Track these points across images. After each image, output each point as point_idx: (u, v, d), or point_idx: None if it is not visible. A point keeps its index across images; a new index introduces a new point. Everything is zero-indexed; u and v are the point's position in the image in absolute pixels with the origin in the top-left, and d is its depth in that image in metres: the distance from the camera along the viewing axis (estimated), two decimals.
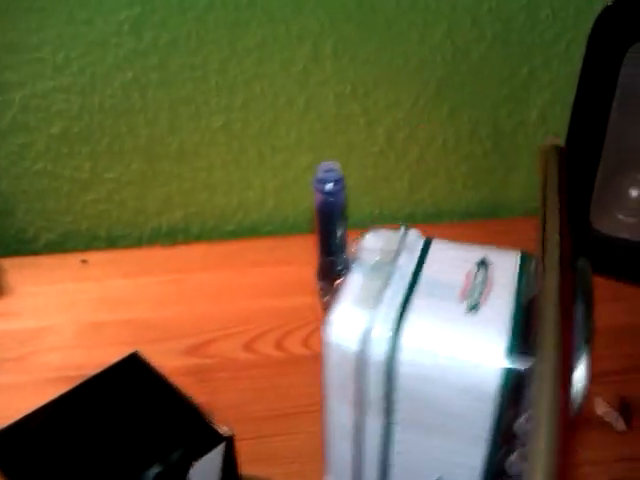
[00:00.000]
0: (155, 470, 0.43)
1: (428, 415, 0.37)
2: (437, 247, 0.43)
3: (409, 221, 0.85)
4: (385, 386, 0.37)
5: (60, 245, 0.82)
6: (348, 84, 0.76)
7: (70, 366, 0.63)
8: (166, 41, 0.71)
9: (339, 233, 0.40)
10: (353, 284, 0.40)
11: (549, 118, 0.78)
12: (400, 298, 0.38)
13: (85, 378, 0.50)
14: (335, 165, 0.39)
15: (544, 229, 0.39)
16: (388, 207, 0.85)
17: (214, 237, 0.84)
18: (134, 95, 0.73)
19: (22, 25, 0.68)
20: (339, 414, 0.41)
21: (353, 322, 0.38)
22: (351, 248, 0.43)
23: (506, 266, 0.41)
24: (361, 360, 0.37)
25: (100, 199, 0.80)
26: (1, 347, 0.66)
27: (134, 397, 0.49)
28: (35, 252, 0.81)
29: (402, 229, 0.44)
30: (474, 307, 0.37)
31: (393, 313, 0.37)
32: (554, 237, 0.37)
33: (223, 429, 0.46)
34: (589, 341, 0.34)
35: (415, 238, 0.44)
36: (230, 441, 0.46)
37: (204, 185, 0.81)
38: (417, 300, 0.38)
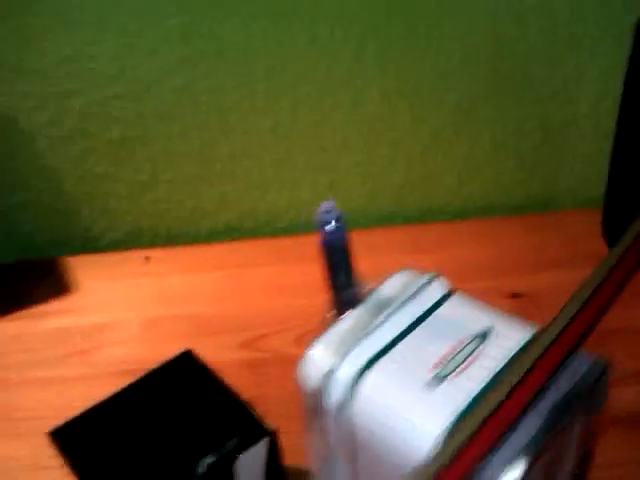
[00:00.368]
0: (205, 462, 0.46)
1: (383, 469, 0.36)
2: (451, 304, 0.41)
3: (460, 216, 0.86)
4: (341, 431, 0.37)
5: (123, 243, 0.86)
6: (393, 84, 0.77)
7: (132, 360, 0.67)
8: (214, 49, 0.74)
9: (344, 268, 0.41)
10: (345, 322, 0.41)
11: (600, 111, 0.77)
12: (375, 350, 0.37)
13: (142, 374, 0.53)
14: (333, 204, 0.40)
15: None
16: (437, 202, 0.86)
17: (267, 234, 0.87)
18: (185, 100, 0.77)
19: (79, 38, 0.72)
20: (315, 445, 0.42)
21: (321, 362, 0.38)
22: (370, 284, 0.43)
23: (507, 342, 0.37)
24: (321, 401, 0.38)
25: (159, 199, 0.84)
26: (68, 341, 0.70)
27: (185, 392, 0.52)
28: (100, 250, 0.85)
29: (428, 276, 0.43)
30: (440, 379, 0.36)
31: (360, 364, 0.37)
32: None
33: (267, 424, 0.48)
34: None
35: (437, 288, 0.42)
36: (274, 435, 0.48)
37: (256, 184, 0.84)
38: (389, 357, 0.37)
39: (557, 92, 0.78)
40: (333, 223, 0.39)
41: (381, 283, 0.43)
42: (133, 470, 0.47)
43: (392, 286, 0.43)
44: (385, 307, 0.41)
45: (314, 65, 0.75)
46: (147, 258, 0.81)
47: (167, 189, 0.83)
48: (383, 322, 0.39)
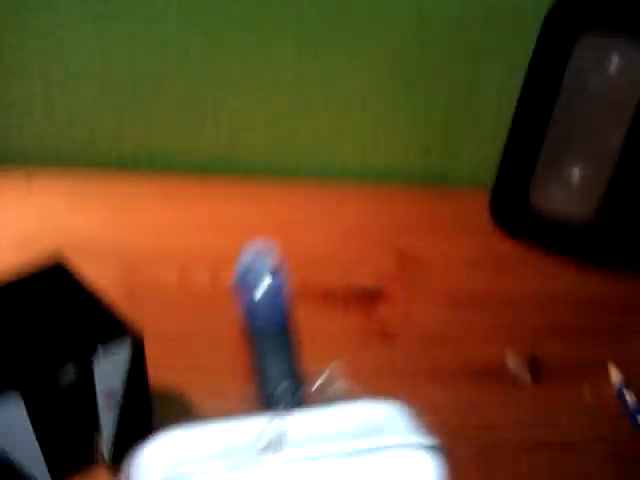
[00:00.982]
0: (66, 367, 0.44)
1: None
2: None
3: (360, 180, 0.87)
4: None
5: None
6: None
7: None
8: None
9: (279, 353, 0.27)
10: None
11: (504, 95, 0.79)
12: None
13: (8, 279, 0.50)
14: (268, 249, 0.23)
15: None
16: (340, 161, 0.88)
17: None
18: None
19: None
20: None
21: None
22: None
23: None
24: None
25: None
26: None
27: (53, 299, 0.50)
28: None
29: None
30: None
31: None
32: None
33: (133, 329, 0.47)
34: None
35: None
36: (139, 342, 0.46)
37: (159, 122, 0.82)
38: None
39: (467, 73, 0.81)
40: (266, 282, 0.24)
41: None
42: None
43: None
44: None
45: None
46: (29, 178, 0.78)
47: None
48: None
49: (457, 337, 0.66)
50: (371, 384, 0.58)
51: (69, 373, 0.44)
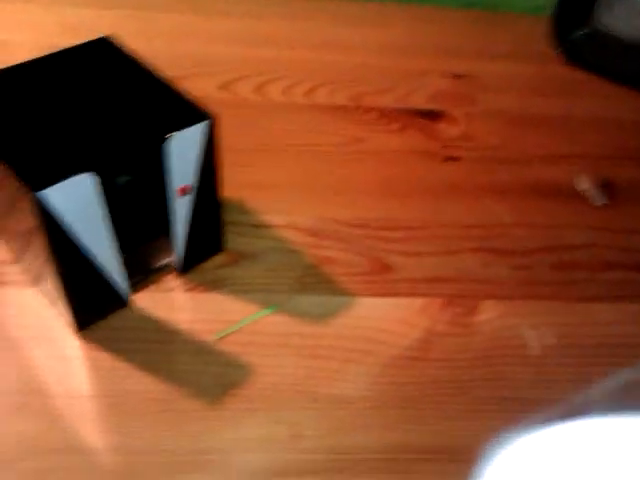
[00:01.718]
0: (138, 148, 0.41)
1: None
2: None
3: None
4: None
5: None
6: None
7: None
8: None
9: None
10: None
11: None
12: None
13: (53, 51, 0.46)
14: None
15: None
16: None
17: None
18: None
19: None
20: None
21: None
22: None
23: None
24: None
25: None
26: None
27: (108, 75, 0.45)
28: None
29: None
30: None
31: None
32: None
33: (205, 110, 0.43)
34: None
35: None
36: (211, 121, 0.43)
37: None
38: None
39: None
40: None
41: None
42: (46, 148, 0.40)
43: None
44: None
45: None
46: None
47: None
48: None
49: (522, 158, 0.63)
50: (436, 206, 0.57)
51: (142, 156, 0.41)
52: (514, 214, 0.58)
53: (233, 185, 0.56)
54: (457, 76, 0.73)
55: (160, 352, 0.46)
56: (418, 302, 0.51)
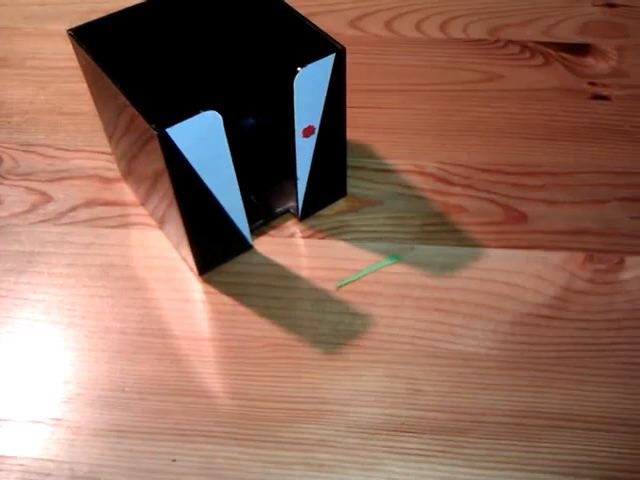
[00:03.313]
0: (267, 78, 0.39)
1: None
2: None
3: None
4: None
5: None
6: None
7: None
8: None
9: None
10: None
11: None
12: None
13: None
14: None
15: None
16: None
17: None
18: None
19: None
20: None
21: None
22: None
23: None
24: None
25: None
26: None
27: (236, 6, 0.44)
28: None
29: None
30: None
31: None
32: None
33: (335, 42, 0.41)
34: None
35: None
36: (341, 53, 0.41)
37: None
38: None
39: None
40: None
41: None
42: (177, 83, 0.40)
43: None
44: None
45: None
46: None
47: None
48: None
49: None
50: (581, 149, 0.52)
51: (271, 92, 0.39)
52: None
53: (358, 127, 0.54)
54: (610, 5, 0.65)
55: (280, 298, 0.45)
56: (556, 256, 0.47)
